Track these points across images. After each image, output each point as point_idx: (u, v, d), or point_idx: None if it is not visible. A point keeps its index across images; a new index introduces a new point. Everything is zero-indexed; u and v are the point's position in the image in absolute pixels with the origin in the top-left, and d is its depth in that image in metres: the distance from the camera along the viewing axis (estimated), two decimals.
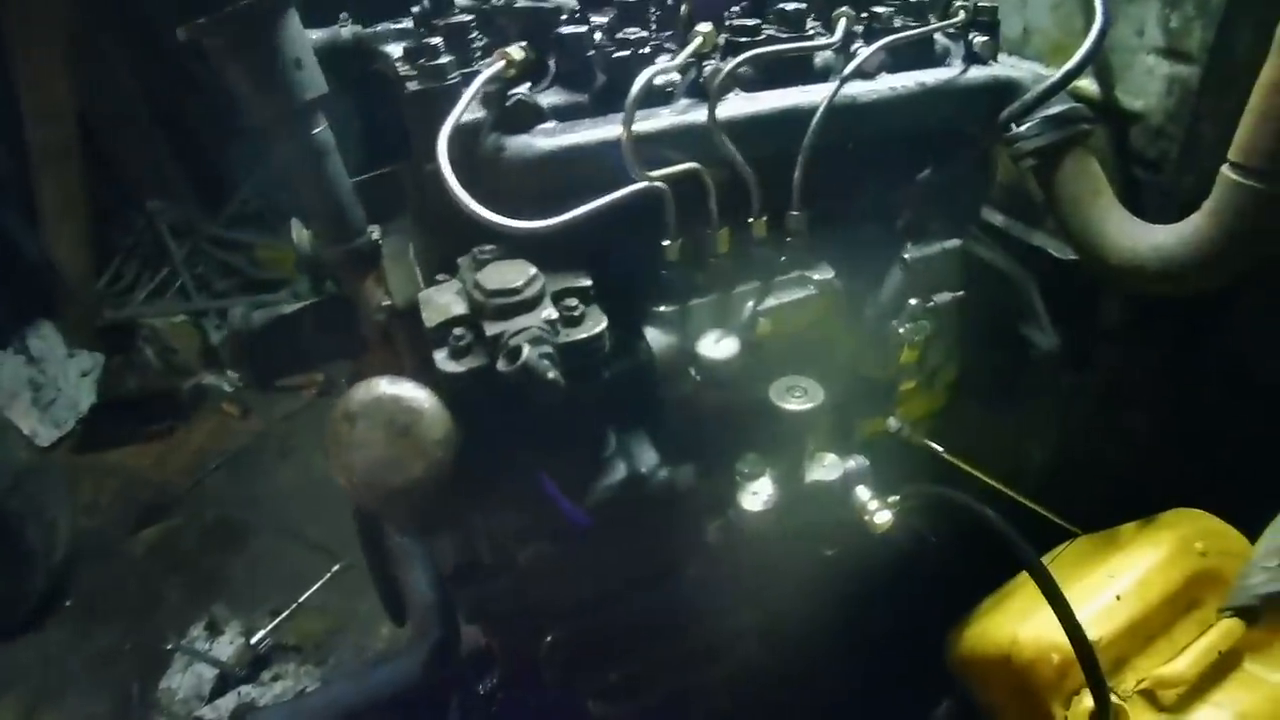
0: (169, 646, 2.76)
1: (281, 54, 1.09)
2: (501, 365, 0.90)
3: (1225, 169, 1.12)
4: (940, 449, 1.39)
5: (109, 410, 3.69)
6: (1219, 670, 1.25)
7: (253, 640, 2.72)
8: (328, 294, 1.44)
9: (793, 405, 1.05)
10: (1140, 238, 1.23)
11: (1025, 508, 1.48)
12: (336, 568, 2.89)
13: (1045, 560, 1.50)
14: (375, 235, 1.29)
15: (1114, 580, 1.36)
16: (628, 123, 0.99)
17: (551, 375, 0.88)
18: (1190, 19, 1.26)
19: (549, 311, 0.98)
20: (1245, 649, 1.26)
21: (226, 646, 2.75)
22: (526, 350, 0.88)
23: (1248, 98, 1.09)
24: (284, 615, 2.80)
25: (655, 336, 1.13)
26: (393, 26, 1.42)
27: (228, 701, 2.60)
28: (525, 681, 1.46)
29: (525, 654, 1.35)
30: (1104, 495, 1.63)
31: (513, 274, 0.99)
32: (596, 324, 1.00)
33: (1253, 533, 1.32)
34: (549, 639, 1.30)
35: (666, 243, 1.11)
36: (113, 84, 3.90)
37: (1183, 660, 1.26)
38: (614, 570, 1.18)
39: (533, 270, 1.01)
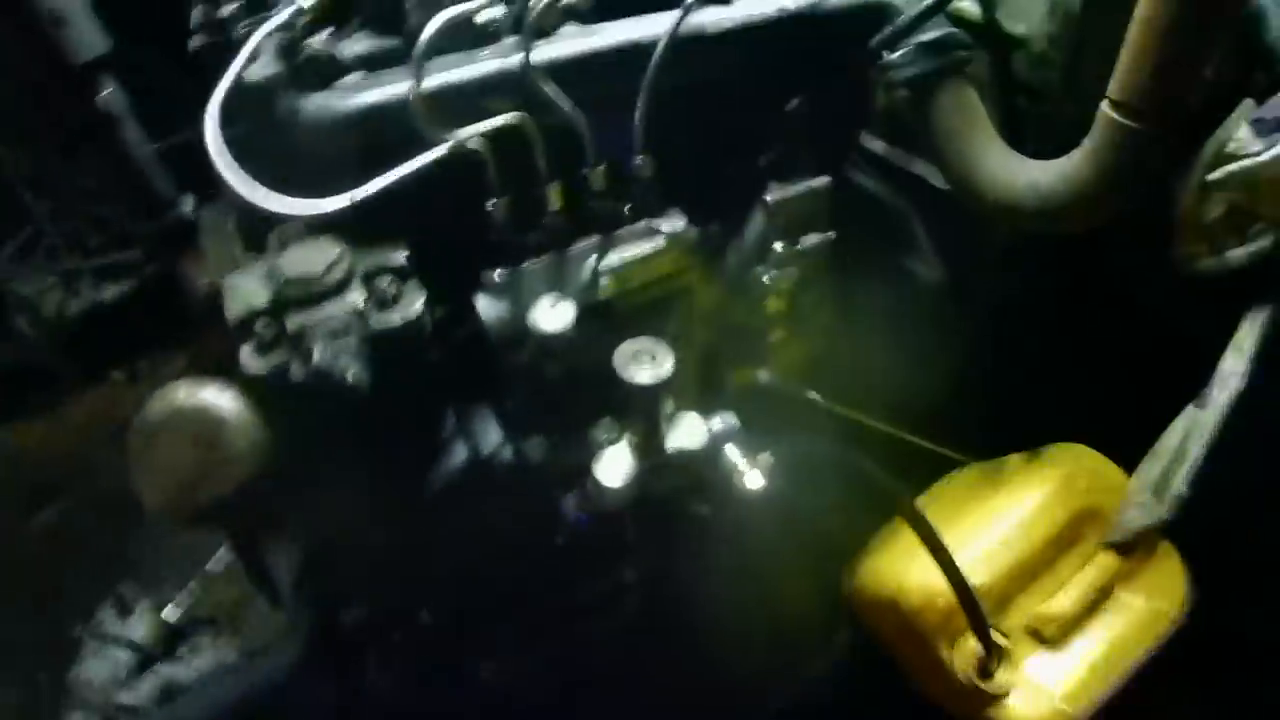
0: (76, 633, 2.64)
1: (33, 12, 0.93)
2: (294, 370, 0.80)
3: (1104, 106, 1.05)
4: (816, 396, 1.34)
5: None
6: (1095, 602, 1.30)
7: (165, 616, 2.62)
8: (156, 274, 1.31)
9: (639, 377, 0.97)
10: (1017, 174, 1.17)
11: (913, 443, 1.46)
12: None
13: (933, 489, 1.50)
14: (188, 208, 1.16)
15: (999, 520, 1.37)
16: (415, 75, 0.87)
17: (351, 376, 0.79)
18: None
19: (357, 296, 0.88)
20: (1117, 579, 1.31)
21: (138, 626, 2.65)
22: (317, 352, 0.79)
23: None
24: (193, 587, 2.70)
25: (486, 306, 1.04)
26: None
27: (148, 682, 2.51)
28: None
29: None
30: (994, 421, 1.62)
31: (315, 257, 0.89)
32: (413, 305, 0.90)
33: (1136, 460, 1.31)
34: (420, 614, 1.25)
35: (492, 203, 1.01)
36: None
37: (1065, 597, 1.30)
38: (466, 550, 1.12)
39: (337, 250, 0.90)
